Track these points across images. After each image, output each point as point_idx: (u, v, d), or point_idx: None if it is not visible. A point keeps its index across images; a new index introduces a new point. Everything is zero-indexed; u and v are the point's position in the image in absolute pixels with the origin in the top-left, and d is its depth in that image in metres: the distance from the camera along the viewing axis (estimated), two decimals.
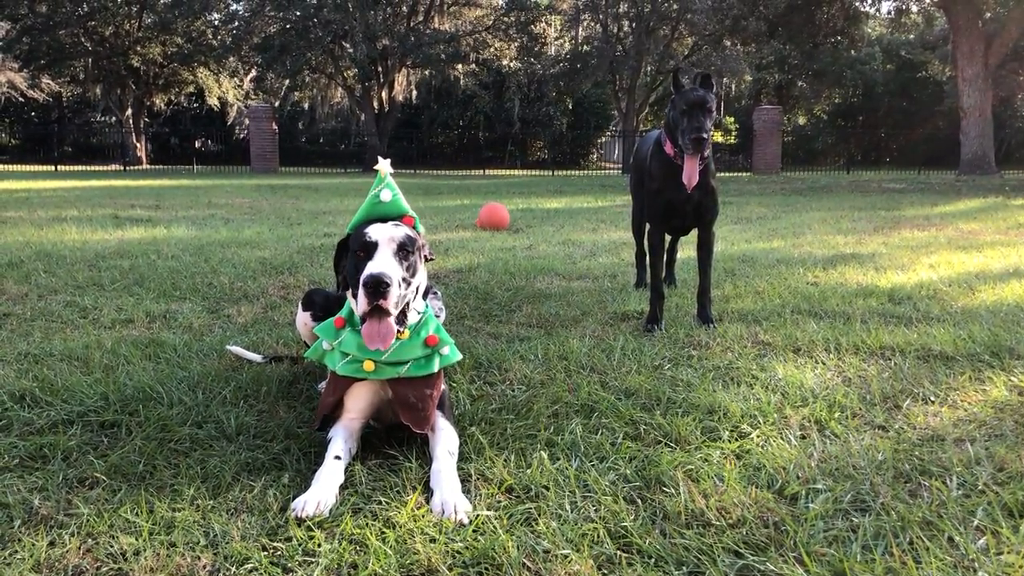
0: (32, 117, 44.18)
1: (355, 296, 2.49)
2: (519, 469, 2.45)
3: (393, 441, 2.65)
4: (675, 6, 31.86)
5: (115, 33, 36.51)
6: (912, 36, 40.27)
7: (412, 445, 2.61)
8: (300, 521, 2.11)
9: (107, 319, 4.54)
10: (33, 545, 1.98)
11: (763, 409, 2.98)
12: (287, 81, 34.73)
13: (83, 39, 35.95)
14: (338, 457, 2.41)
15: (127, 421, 2.82)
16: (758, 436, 2.73)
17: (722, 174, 29.71)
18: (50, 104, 41.68)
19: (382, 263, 2.43)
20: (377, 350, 2.47)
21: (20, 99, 36.83)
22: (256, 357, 3.67)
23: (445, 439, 2.48)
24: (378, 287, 2.37)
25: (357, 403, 2.60)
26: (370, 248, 2.47)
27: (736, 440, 2.69)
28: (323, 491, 2.22)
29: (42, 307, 4.82)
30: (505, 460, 2.51)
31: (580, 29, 39.95)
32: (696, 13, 30.39)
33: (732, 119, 45.10)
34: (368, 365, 2.51)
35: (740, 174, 30.05)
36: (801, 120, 45.40)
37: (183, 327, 4.36)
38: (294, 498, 2.23)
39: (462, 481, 2.35)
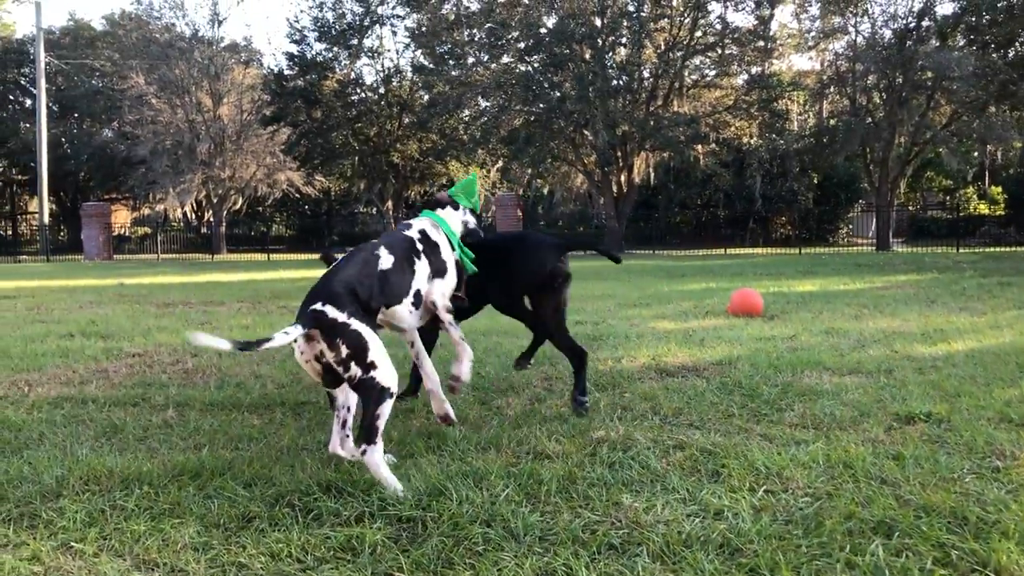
0: (305, 210, 49.34)
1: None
2: None
3: None
4: (930, 74, 30.06)
5: (378, 133, 40.35)
6: None
7: None
8: None
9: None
10: None
11: None
12: (531, 170, 36.25)
13: (351, 140, 40.00)
14: None
15: (422, 516, 2.97)
16: None
17: (989, 249, 27.26)
18: (320, 198, 46.63)
19: None
20: None
21: (296, 195, 41.55)
22: (225, 344, 3.16)
23: None
24: None
25: None
26: None
27: None
28: None
29: None
30: None
31: (825, 103, 38.74)
32: (956, 80, 28.46)
33: (999, 189, 41.37)
34: None
35: (1013, 249, 27.36)
36: None
37: (459, 418, 4.55)
38: None
39: None
